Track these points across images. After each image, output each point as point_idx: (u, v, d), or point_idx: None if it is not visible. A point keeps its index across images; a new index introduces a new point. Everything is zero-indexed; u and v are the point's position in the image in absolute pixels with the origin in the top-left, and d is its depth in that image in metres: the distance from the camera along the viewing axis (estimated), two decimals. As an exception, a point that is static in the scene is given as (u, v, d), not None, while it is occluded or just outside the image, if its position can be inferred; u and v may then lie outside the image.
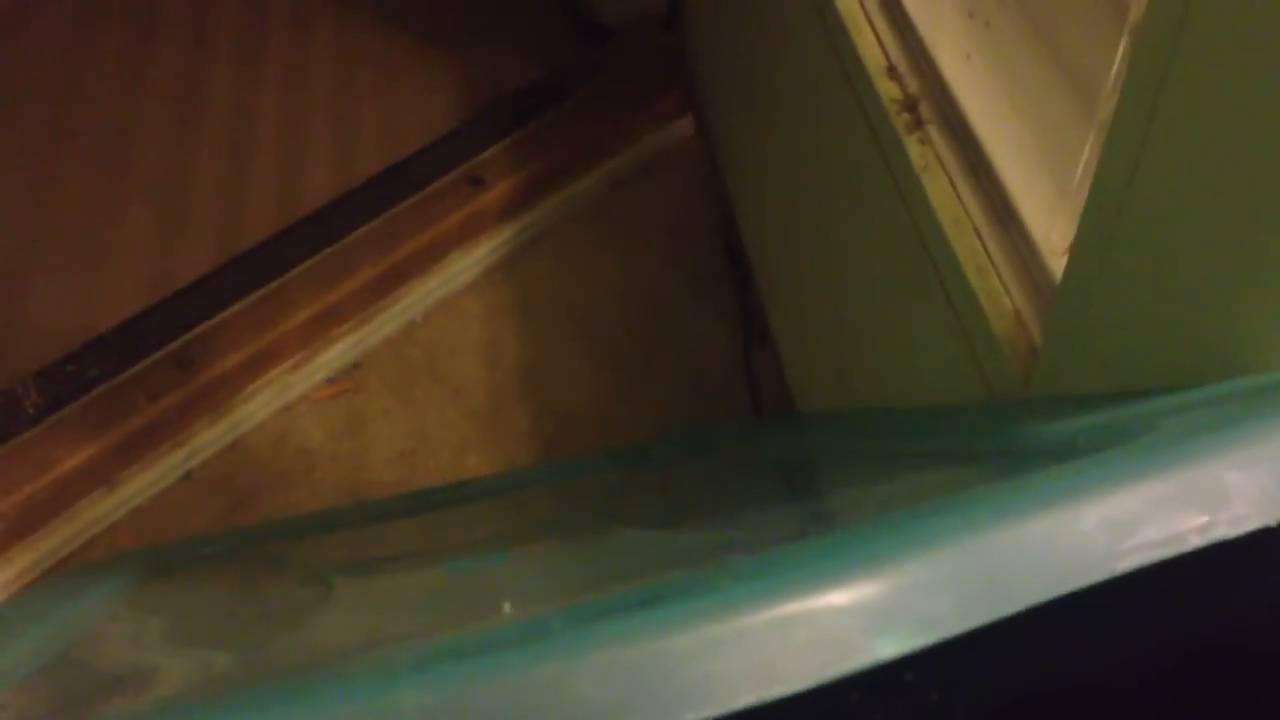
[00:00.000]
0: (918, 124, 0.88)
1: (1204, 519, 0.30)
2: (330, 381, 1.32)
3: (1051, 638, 0.31)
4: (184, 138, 1.53)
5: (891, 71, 0.92)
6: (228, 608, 0.72)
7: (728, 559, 0.31)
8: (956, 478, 0.53)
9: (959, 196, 0.82)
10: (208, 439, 1.24)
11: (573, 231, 1.51)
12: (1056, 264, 0.76)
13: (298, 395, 1.30)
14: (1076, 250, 0.63)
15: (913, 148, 0.86)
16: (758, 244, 1.26)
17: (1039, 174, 0.82)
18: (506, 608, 0.51)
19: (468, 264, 1.44)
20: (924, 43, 0.90)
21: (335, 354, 1.33)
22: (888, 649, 0.28)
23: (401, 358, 1.35)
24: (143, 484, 1.20)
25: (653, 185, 1.56)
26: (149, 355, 1.25)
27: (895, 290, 0.88)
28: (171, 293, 1.31)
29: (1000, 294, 0.75)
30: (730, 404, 1.30)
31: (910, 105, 0.89)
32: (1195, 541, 0.30)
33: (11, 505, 1.14)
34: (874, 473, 0.63)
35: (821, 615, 0.28)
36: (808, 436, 0.90)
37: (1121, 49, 0.78)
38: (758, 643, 0.27)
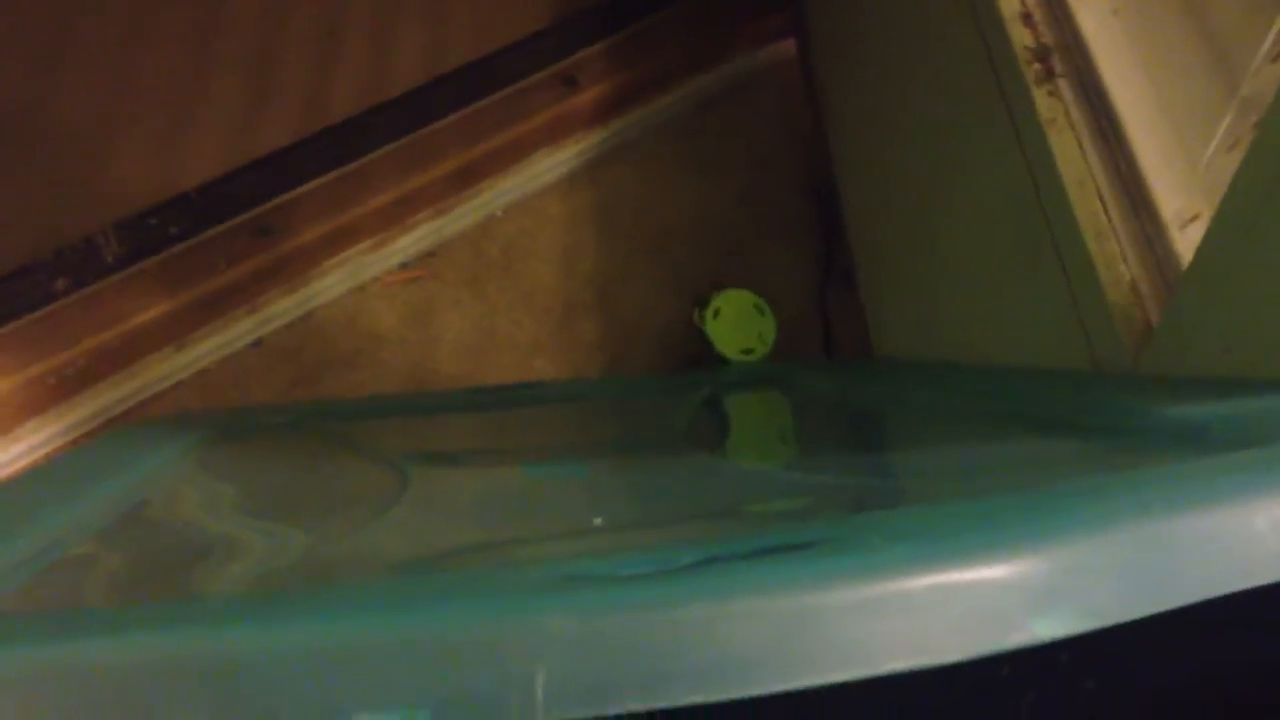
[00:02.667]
0: (1049, 75, 0.85)
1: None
2: (404, 266, 1.31)
3: (1214, 636, 0.29)
4: (277, 10, 1.50)
5: (1026, 18, 0.88)
6: (304, 483, 0.72)
7: (865, 513, 0.30)
8: (1072, 450, 0.52)
9: (1085, 157, 0.79)
10: (279, 309, 1.24)
11: (659, 147, 1.48)
12: (1179, 238, 0.74)
13: (371, 277, 1.29)
14: (1215, 229, 0.60)
15: (1041, 100, 0.83)
16: (852, 182, 1.23)
17: (1170, 143, 0.79)
18: (598, 521, 0.50)
19: (552, 165, 1.42)
20: (1065, -7, 0.86)
21: (412, 240, 1.32)
22: (1047, 630, 0.26)
23: (477, 251, 1.34)
24: (211, 346, 1.20)
25: (746, 107, 1.53)
26: (229, 219, 1.24)
27: (1003, 246, 0.85)
28: (255, 159, 1.30)
29: (1118, 262, 0.73)
30: (800, 342, 1.29)
31: (1042, 55, 0.86)
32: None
33: (81, 352, 1.15)
34: (972, 431, 0.62)
35: (983, 588, 0.27)
36: (889, 383, 0.88)
37: (1278, 25, 0.75)
38: (917, 609, 0.26)
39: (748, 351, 1.18)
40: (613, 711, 0.25)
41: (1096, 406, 0.57)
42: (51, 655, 0.29)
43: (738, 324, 1.19)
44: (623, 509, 0.55)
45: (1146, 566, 0.28)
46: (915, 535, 0.29)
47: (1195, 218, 0.75)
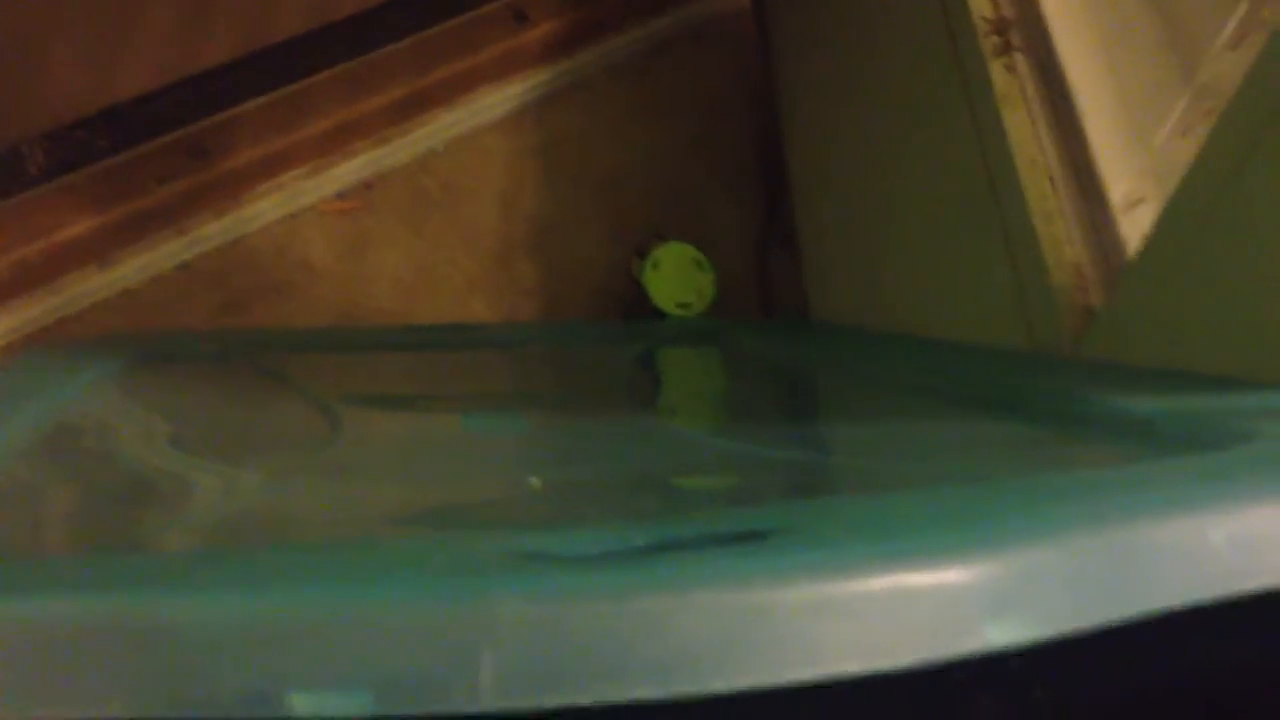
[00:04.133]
0: (1006, 48, 0.84)
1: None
2: (341, 196, 1.28)
3: (1166, 647, 0.30)
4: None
5: (988, -11, 0.88)
6: (236, 419, 0.70)
7: (818, 500, 0.30)
8: (1018, 435, 0.52)
9: (1037, 135, 0.79)
10: (210, 232, 1.20)
11: (608, 89, 1.46)
12: (1124, 221, 0.74)
13: (306, 205, 1.26)
14: (1167, 217, 0.61)
15: (997, 73, 0.82)
16: (800, 141, 1.22)
17: (1122, 125, 0.80)
18: (536, 482, 0.50)
19: (498, 100, 1.40)
20: (1027, -34, 0.86)
21: (350, 169, 1.29)
22: (1001, 637, 0.26)
23: (416, 186, 1.32)
24: (137, 266, 1.17)
25: (697, 54, 1.51)
26: (162, 136, 1.20)
27: (950, 219, 0.85)
28: (192, 75, 1.26)
29: (1063, 244, 0.73)
30: (739, 299, 1.28)
31: (1001, 27, 0.86)
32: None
33: (2, 265, 1.11)
34: (915, 406, 0.62)
35: (941, 591, 0.26)
36: (830, 350, 0.88)
37: (1239, 13, 0.75)
38: (872, 610, 0.26)
39: (684, 306, 1.17)
40: (558, 703, 0.24)
41: (1042, 391, 0.57)
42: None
43: (676, 277, 1.18)
44: (564, 470, 0.54)
45: (1102, 576, 0.28)
46: (872, 532, 0.28)
47: (1141, 200, 0.75)
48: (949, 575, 0.27)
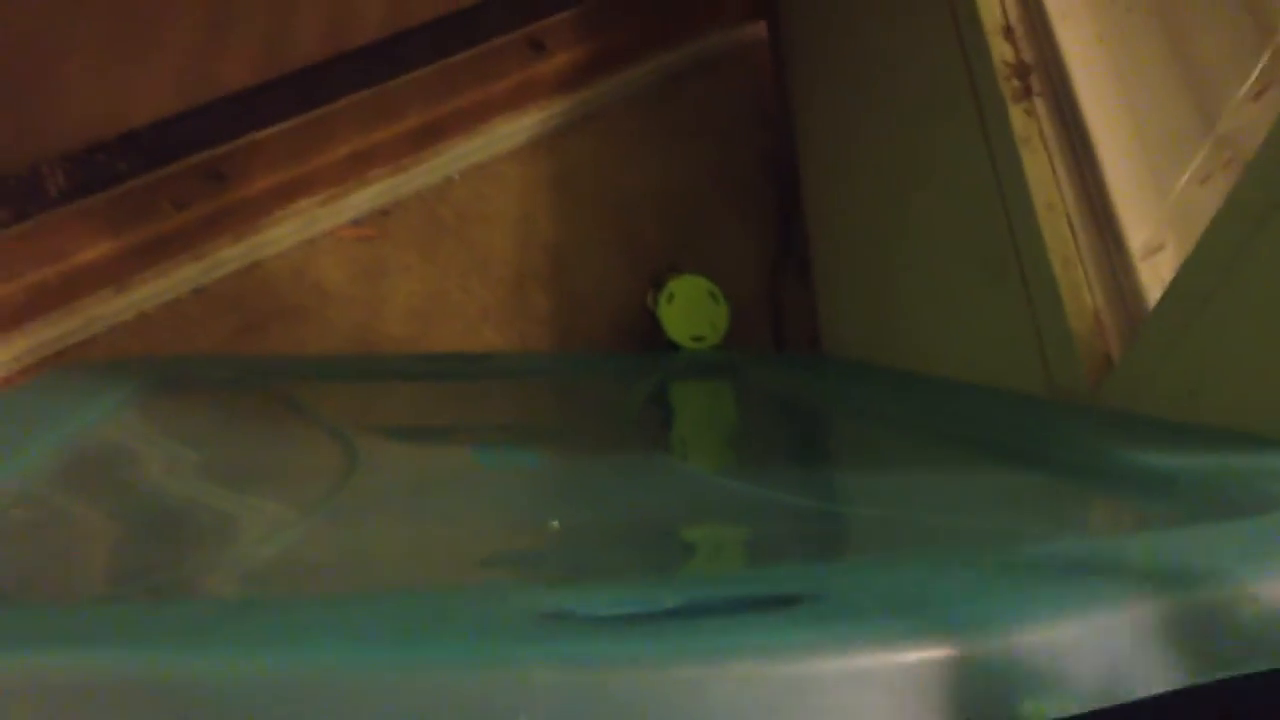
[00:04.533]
0: (1026, 93, 0.85)
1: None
2: (356, 223, 1.29)
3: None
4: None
5: (1008, 32, 0.88)
6: (256, 447, 0.70)
7: (849, 562, 0.30)
8: (1040, 487, 0.52)
9: (1056, 179, 0.80)
10: (227, 256, 1.21)
11: (623, 119, 1.46)
12: (1145, 269, 0.75)
13: (322, 231, 1.26)
14: (1189, 267, 0.61)
15: (1017, 117, 0.83)
16: (816, 174, 1.23)
17: (1142, 172, 0.80)
18: (554, 524, 0.50)
19: (514, 130, 1.40)
20: (1048, 11, 0.86)
21: (367, 196, 1.30)
22: (1035, 711, 0.26)
23: (432, 214, 1.32)
24: (154, 290, 1.18)
25: (712, 86, 1.52)
26: (181, 159, 1.21)
27: (967, 262, 0.85)
28: (211, 100, 1.27)
29: (1082, 290, 0.73)
30: (751, 331, 1.28)
31: (1021, 72, 0.86)
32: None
33: (20, 287, 1.12)
34: (932, 452, 0.62)
35: (976, 666, 0.26)
36: (843, 387, 0.88)
37: (1261, 64, 0.75)
38: (908, 683, 0.26)
39: (698, 339, 1.17)
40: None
41: (1062, 441, 0.57)
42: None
43: (691, 310, 1.18)
44: (580, 511, 0.54)
45: (1135, 650, 0.28)
46: (907, 603, 0.28)
47: (1160, 247, 0.76)
48: (984, 648, 0.27)
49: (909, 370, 0.91)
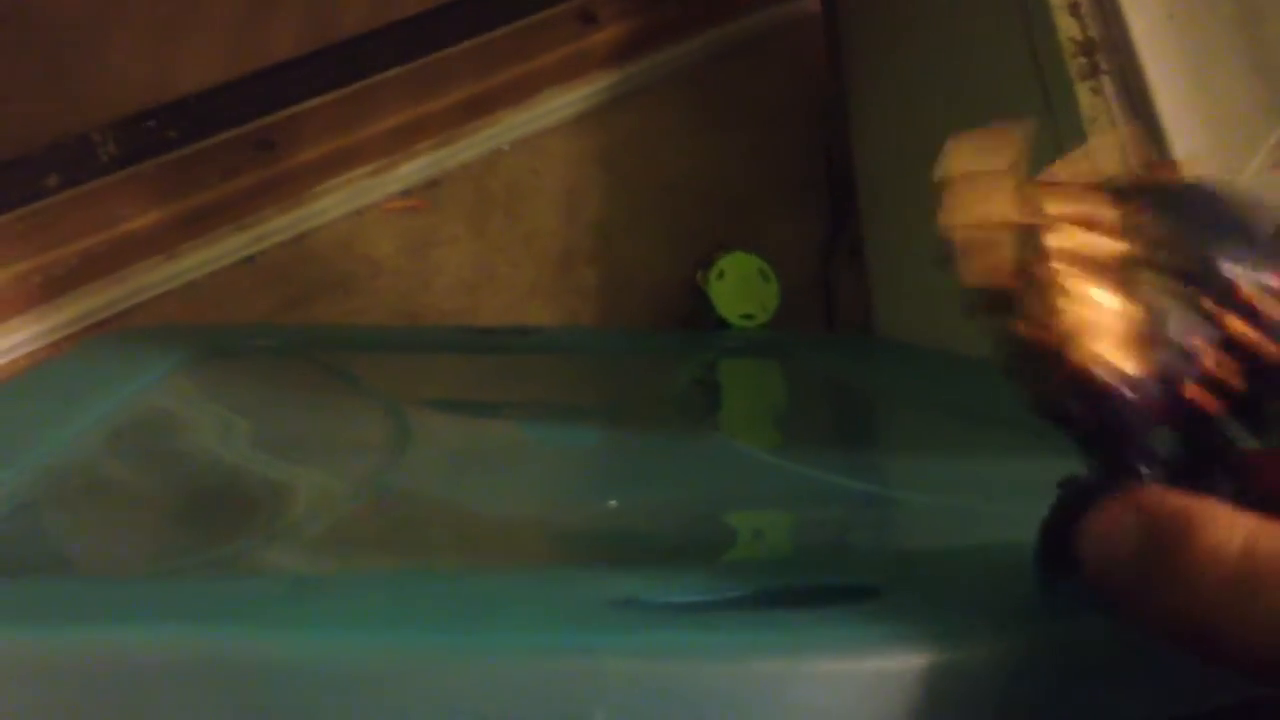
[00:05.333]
0: (1094, 71, 0.83)
1: None
2: (405, 194, 1.28)
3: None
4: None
5: (1074, 9, 0.86)
6: (309, 418, 0.70)
7: (919, 558, 0.29)
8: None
9: (1124, 161, 0.77)
10: (275, 227, 1.21)
11: (673, 94, 1.45)
12: (1214, 255, 0.73)
13: (371, 202, 1.26)
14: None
15: (1084, 96, 0.81)
16: (870, 153, 1.21)
17: (1212, 155, 0.78)
18: (612, 503, 0.49)
19: (563, 104, 1.39)
20: (1117, -13, 0.84)
21: (415, 168, 1.29)
22: None
23: (480, 186, 1.31)
24: (203, 259, 1.18)
25: (763, 62, 1.50)
26: (230, 129, 1.21)
27: (1028, 243, 0.83)
28: (259, 69, 1.26)
29: (1150, 275, 0.71)
30: (801, 312, 1.27)
31: (1088, 49, 0.84)
32: None
33: (71, 253, 1.12)
34: (983, 437, 0.61)
35: (1053, 658, 0.25)
36: (897, 369, 0.87)
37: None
38: (984, 678, 0.25)
39: (748, 317, 1.16)
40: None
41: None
42: (48, 643, 0.27)
43: (741, 288, 1.17)
44: (635, 490, 0.54)
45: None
46: (988, 596, 0.27)
47: (1229, 234, 0.74)
48: (1064, 640, 0.26)
49: (963, 353, 0.90)
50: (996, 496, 0.48)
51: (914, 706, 0.24)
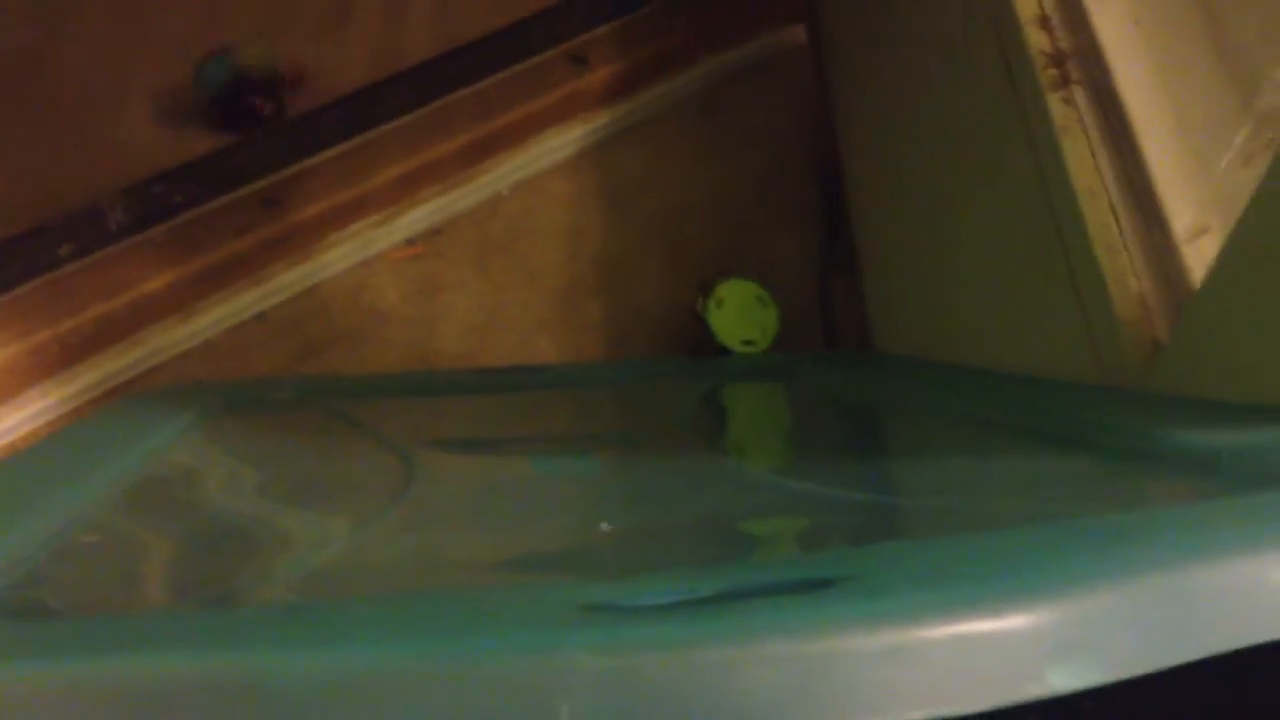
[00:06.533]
0: (1064, 82, 0.85)
1: None
2: (410, 242, 1.31)
3: (1233, 686, 0.30)
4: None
5: (1043, 21, 0.88)
6: (318, 465, 0.72)
7: (879, 545, 0.31)
8: (1082, 470, 0.52)
9: (1097, 166, 0.79)
10: (285, 281, 1.24)
11: (667, 128, 1.48)
12: (1189, 252, 0.74)
13: (377, 252, 1.29)
14: (1231, 248, 0.61)
15: (1055, 106, 0.83)
16: (859, 173, 1.23)
17: (1183, 155, 0.79)
18: (605, 527, 0.51)
19: (561, 144, 1.42)
20: (1084, -1, 0.86)
21: (419, 216, 1.32)
22: (1065, 682, 0.27)
23: (483, 230, 1.34)
24: (217, 317, 1.21)
25: (754, 92, 1.52)
26: (237, 188, 1.24)
27: (1012, 251, 0.85)
28: (265, 128, 1.30)
29: (1128, 275, 0.73)
30: (801, 332, 1.29)
31: (1058, 60, 0.86)
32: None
33: (87, 319, 1.15)
34: (981, 442, 0.62)
35: (1002, 638, 0.27)
36: (892, 382, 0.89)
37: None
38: (937, 658, 0.27)
39: (749, 343, 1.18)
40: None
41: (1109, 425, 0.57)
42: (72, 672, 0.29)
43: (740, 315, 1.19)
44: (632, 513, 0.56)
45: (1164, 619, 0.28)
46: (934, 580, 0.29)
47: (1205, 230, 0.75)
48: (1011, 622, 0.27)
49: (960, 363, 0.92)
50: (979, 495, 0.49)
51: (859, 684, 0.26)
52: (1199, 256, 0.72)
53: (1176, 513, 0.34)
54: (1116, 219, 0.76)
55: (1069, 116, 0.82)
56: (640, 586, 0.31)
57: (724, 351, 1.18)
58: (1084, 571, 0.29)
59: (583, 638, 0.27)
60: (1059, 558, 0.30)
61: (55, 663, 0.30)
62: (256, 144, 1.28)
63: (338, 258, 1.27)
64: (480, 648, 0.27)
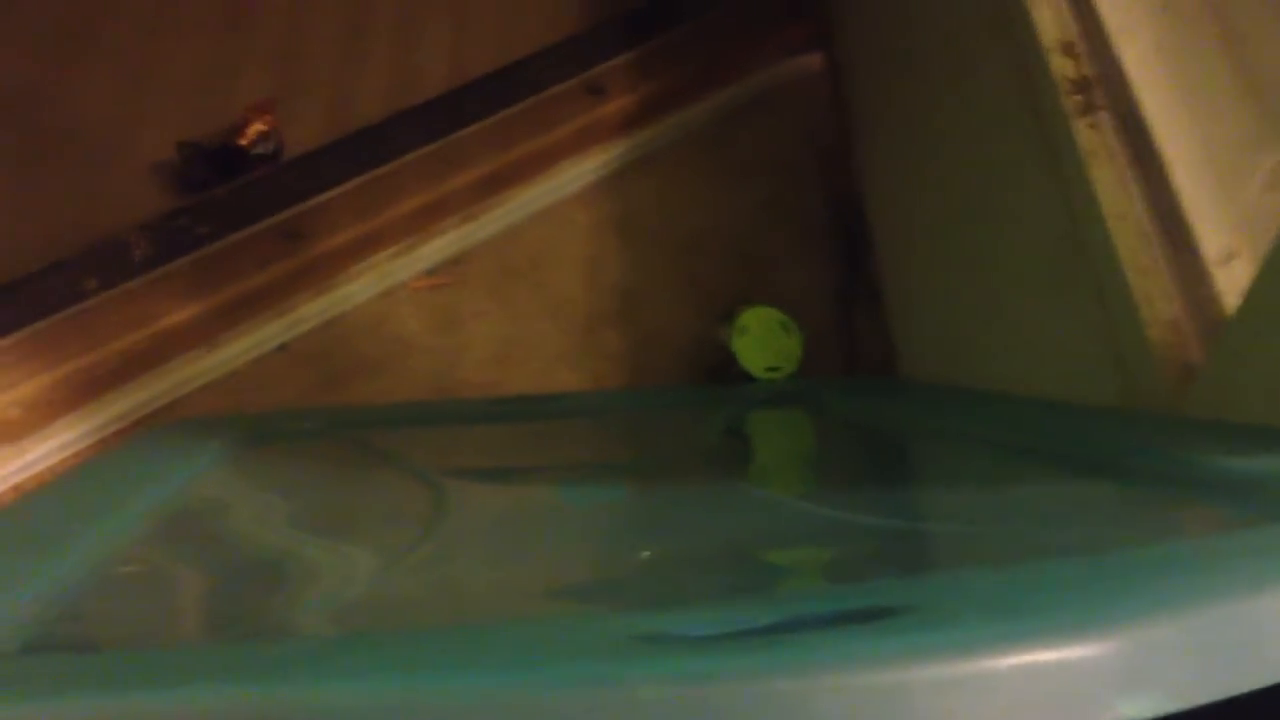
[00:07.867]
0: (1090, 108, 0.85)
1: None
2: (431, 273, 1.31)
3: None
4: (304, 8, 1.50)
5: (1068, 48, 0.88)
6: (348, 495, 0.72)
7: (938, 574, 0.30)
8: (1124, 497, 0.52)
9: (1126, 190, 0.79)
10: (307, 313, 1.24)
11: (684, 157, 1.48)
12: (1220, 275, 0.74)
13: (398, 282, 1.29)
14: (1266, 272, 0.60)
15: (1081, 132, 0.83)
16: (881, 199, 1.23)
17: (1211, 179, 0.79)
18: (645, 554, 0.51)
19: (578, 174, 1.42)
20: (1107, 25, 0.86)
21: (439, 246, 1.33)
22: (1133, 711, 0.27)
23: (503, 260, 1.34)
24: (240, 348, 1.21)
25: (770, 119, 1.53)
26: (259, 221, 1.25)
27: (1038, 277, 0.85)
28: (285, 161, 1.31)
29: (1159, 299, 0.73)
30: (823, 359, 1.29)
31: (1083, 87, 0.86)
32: None
33: (112, 352, 1.15)
34: (1014, 468, 0.62)
35: (1069, 667, 0.27)
36: (920, 408, 0.88)
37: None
38: (1003, 687, 0.26)
39: (773, 370, 1.18)
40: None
41: (1143, 450, 0.57)
42: (120, 705, 0.29)
43: (764, 342, 1.19)
44: (668, 541, 0.55)
45: (1230, 646, 0.28)
46: (1000, 610, 0.29)
47: (1235, 255, 0.75)
48: (1078, 652, 0.27)
49: (985, 389, 0.91)
50: (1015, 523, 0.49)
51: (926, 714, 0.26)
52: (1230, 280, 0.72)
53: (1235, 541, 0.33)
54: (1146, 242, 0.76)
55: (1095, 142, 0.82)
56: (695, 616, 0.31)
57: (748, 378, 1.18)
58: (1148, 601, 0.29)
59: (646, 668, 0.27)
60: (1121, 587, 0.30)
61: (102, 695, 0.30)
62: (278, 177, 1.29)
63: (359, 289, 1.28)
64: (541, 679, 0.27)
